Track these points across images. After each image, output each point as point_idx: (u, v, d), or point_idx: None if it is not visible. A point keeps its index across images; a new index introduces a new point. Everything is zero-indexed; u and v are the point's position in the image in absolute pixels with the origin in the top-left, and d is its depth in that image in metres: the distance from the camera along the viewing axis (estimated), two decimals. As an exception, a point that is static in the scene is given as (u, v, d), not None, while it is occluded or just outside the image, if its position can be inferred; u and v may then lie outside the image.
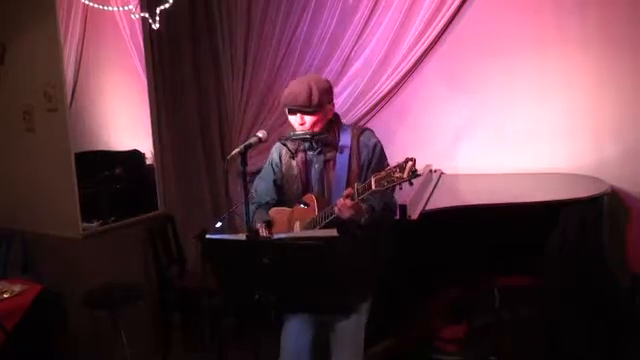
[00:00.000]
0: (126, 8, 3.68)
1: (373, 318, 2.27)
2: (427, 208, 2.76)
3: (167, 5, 3.52)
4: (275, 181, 2.39)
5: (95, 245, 3.41)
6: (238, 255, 1.98)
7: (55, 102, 3.32)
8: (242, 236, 1.95)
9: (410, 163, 1.85)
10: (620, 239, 3.09)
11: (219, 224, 3.19)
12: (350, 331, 2.24)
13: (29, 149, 3.51)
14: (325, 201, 2.22)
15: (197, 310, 3.62)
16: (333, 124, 2.31)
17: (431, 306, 3.18)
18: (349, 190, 2.04)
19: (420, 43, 3.46)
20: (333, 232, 1.91)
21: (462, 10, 3.39)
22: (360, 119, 3.64)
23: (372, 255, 2.23)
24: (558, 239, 2.71)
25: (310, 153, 2.30)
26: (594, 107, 3.20)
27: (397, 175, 1.87)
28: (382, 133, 3.43)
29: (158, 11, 3.55)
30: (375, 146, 2.28)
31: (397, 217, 2.53)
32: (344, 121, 2.47)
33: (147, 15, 3.59)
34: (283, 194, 2.39)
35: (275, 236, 1.97)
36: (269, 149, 2.48)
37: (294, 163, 2.33)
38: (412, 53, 3.49)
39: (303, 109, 2.19)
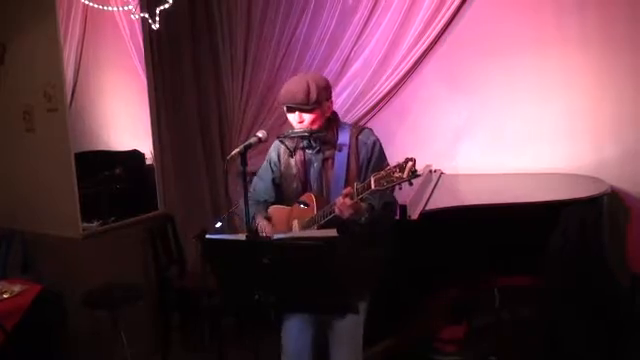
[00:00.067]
0: (126, 8, 3.68)
1: (371, 317, 2.27)
2: (427, 208, 2.76)
3: (167, 5, 3.52)
4: (274, 180, 2.39)
5: (95, 245, 3.41)
6: (238, 255, 1.98)
7: (55, 102, 3.32)
8: (242, 236, 1.95)
9: (410, 163, 1.84)
10: (620, 239, 3.09)
11: (219, 224, 3.20)
12: (348, 330, 2.24)
13: (29, 149, 3.51)
14: (324, 200, 2.22)
15: (197, 310, 3.62)
16: (331, 122, 2.30)
17: (431, 306, 3.18)
18: (348, 189, 2.03)
19: (420, 43, 3.46)
20: (333, 232, 1.91)
21: (461, 10, 3.39)
22: (360, 119, 3.64)
23: (371, 254, 2.22)
24: (559, 239, 2.71)
25: (309, 151, 2.30)
26: (594, 107, 3.20)
27: (397, 175, 1.87)
28: (382, 133, 3.42)
29: (158, 11, 3.55)
30: (374, 145, 2.27)
31: (397, 217, 2.52)
32: (343, 120, 2.46)
33: (147, 15, 3.58)
34: (282, 193, 2.38)
35: (275, 236, 1.97)
36: (269, 149, 2.48)
37: (292, 162, 2.32)
38: (412, 53, 3.49)
39: (301, 107, 2.18)
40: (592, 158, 3.21)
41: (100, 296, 3.17)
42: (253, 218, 2.29)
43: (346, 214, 2.03)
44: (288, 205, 2.34)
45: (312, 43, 3.69)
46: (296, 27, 3.71)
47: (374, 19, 3.56)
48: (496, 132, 3.43)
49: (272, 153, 2.40)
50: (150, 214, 3.86)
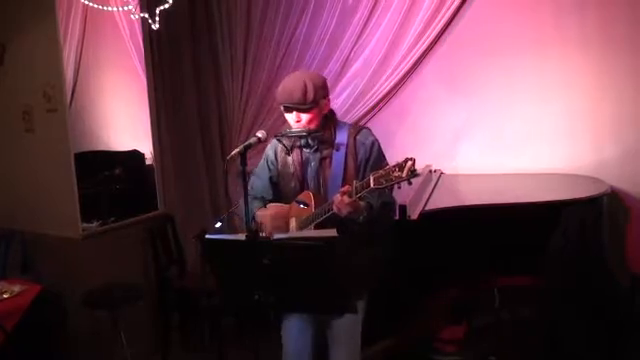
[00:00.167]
0: (126, 8, 3.68)
1: (371, 317, 2.27)
2: (427, 208, 2.76)
3: (167, 5, 3.52)
4: (271, 178, 2.38)
5: (95, 245, 3.41)
6: (237, 255, 1.98)
7: (55, 102, 3.32)
8: (242, 236, 1.95)
9: (410, 163, 1.84)
10: (620, 239, 3.09)
11: (219, 224, 3.19)
12: (346, 330, 2.24)
13: (28, 149, 3.51)
14: (322, 198, 2.22)
15: (197, 310, 3.63)
16: (329, 120, 2.29)
17: (431, 306, 3.17)
18: (347, 187, 2.03)
19: (419, 44, 3.46)
20: (332, 232, 1.90)
21: (461, 11, 3.39)
22: (359, 120, 3.64)
23: (370, 254, 2.22)
24: (559, 239, 2.71)
25: (306, 150, 2.29)
26: (593, 108, 3.20)
27: (396, 174, 1.86)
28: (382, 134, 3.42)
29: (158, 11, 3.55)
30: (372, 145, 2.27)
31: (396, 217, 2.52)
32: (342, 120, 2.45)
33: (147, 15, 3.58)
34: (279, 191, 2.38)
35: (275, 236, 1.97)
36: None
37: (290, 160, 2.32)
38: (411, 54, 3.49)
39: (298, 106, 2.18)
40: (592, 158, 3.21)
41: (100, 296, 3.17)
42: (253, 217, 2.29)
43: (344, 212, 2.02)
44: (286, 203, 2.34)
45: (312, 43, 3.69)
46: (296, 27, 3.71)
47: (374, 19, 3.56)
48: (496, 132, 3.43)
49: (269, 151, 2.40)
50: (150, 214, 3.86)
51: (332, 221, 2.06)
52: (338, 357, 2.28)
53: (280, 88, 2.22)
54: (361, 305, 2.23)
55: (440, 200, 2.89)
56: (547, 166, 3.31)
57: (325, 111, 2.26)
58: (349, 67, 3.66)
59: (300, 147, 2.30)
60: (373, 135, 2.31)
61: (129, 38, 4.16)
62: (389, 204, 2.26)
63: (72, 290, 3.22)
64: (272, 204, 2.37)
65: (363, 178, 2.04)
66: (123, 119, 4.39)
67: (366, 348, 2.28)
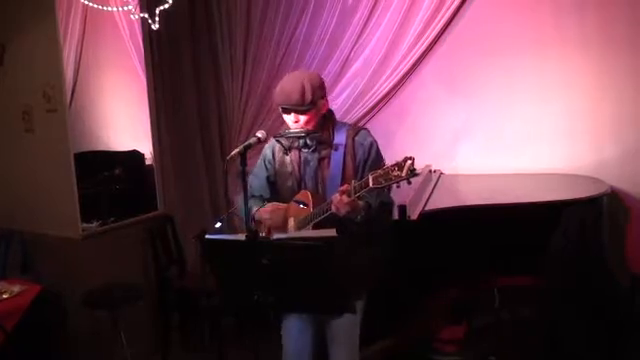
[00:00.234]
0: (125, 8, 3.68)
1: (370, 317, 2.27)
2: (427, 208, 2.76)
3: (166, 5, 3.52)
4: (268, 177, 2.38)
5: (95, 245, 3.41)
6: (237, 255, 1.98)
7: (54, 103, 3.32)
8: (241, 236, 1.95)
9: (409, 162, 1.84)
10: (620, 239, 3.09)
11: (218, 224, 3.20)
12: (345, 330, 2.25)
13: (28, 149, 3.51)
14: (320, 197, 2.22)
15: (196, 310, 3.63)
16: (327, 121, 2.29)
17: (431, 306, 3.18)
18: (345, 186, 2.03)
19: (419, 44, 3.46)
20: (332, 232, 1.90)
21: (461, 11, 3.39)
22: (359, 120, 3.64)
23: (368, 254, 2.22)
24: (559, 239, 2.71)
25: (305, 151, 2.29)
26: (593, 108, 3.20)
27: (395, 174, 1.86)
28: (381, 134, 3.42)
29: (157, 11, 3.55)
30: (371, 146, 2.27)
31: (394, 217, 2.52)
32: (338, 119, 2.45)
33: (146, 15, 3.58)
34: (276, 190, 2.38)
35: (274, 236, 1.97)
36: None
37: (288, 160, 2.32)
38: (411, 54, 3.49)
39: (297, 108, 2.18)
40: (592, 158, 3.21)
41: (100, 296, 3.17)
42: (252, 216, 2.29)
43: (342, 211, 2.02)
44: (283, 203, 2.34)
45: (312, 43, 3.69)
46: (296, 27, 3.70)
47: (374, 19, 3.56)
48: (495, 132, 3.43)
49: (267, 151, 2.40)
50: (150, 214, 3.86)
51: (330, 221, 2.07)
52: (337, 357, 2.28)
53: (278, 89, 2.22)
54: (360, 305, 2.24)
55: (440, 200, 2.89)
56: (547, 166, 3.31)
57: (323, 111, 2.26)
58: (349, 67, 3.66)
59: (298, 148, 2.30)
60: (371, 136, 2.31)
61: (129, 38, 4.16)
62: (387, 204, 2.26)
63: (72, 290, 3.22)
64: (270, 203, 2.37)
65: (362, 178, 2.04)
66: (123, 119, 4.39)
67: (366, 348, 2.27)
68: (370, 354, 2.84)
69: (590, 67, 3.17)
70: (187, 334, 3.75)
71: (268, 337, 2.34)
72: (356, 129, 2.32)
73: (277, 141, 2.35)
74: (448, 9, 3.37)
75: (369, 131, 2.34)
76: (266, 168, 2.39)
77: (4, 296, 2.81)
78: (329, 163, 2.25)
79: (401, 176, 1.85)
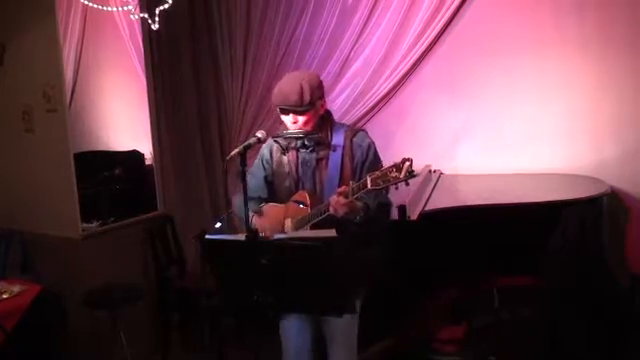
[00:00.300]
0: (125, 8, 3.68)
1: (370, 317, 2.27)
2: (426, 208, 2.76)
3: (166, 6, 3.52)
4: (266, 177, 2.38)
5: (94, 245, 3.41)
6: (237, 255, 1.98)
7: (54, 103, 3.32)
8: (241, 236, 1.95)
9: (407, 163, 1.84)
10: (620, 239, 3.09)
11: (218, 224, 3.19)
12: (343, 330, 2.25)
13: (28, 149, 3.51)
14: (317, 198, 2.22)
15: (196, 310, 3.63)
16: (325, 121, 2.30)
17: (430, 306, 3.18)
18: (343, 187, 2.03)
19: (419, 44, 3.46)
20: (332, 232, 1.91)
21: (461, 11, 3.39)
22: (359, 120, 3.64)
23: (366, 254, 2.22)
24: (559, 239, 2.71)
25: (302, 151, 2.29)
26: (593, 108, 3.20)
27: (393, 175, 1.86)
28: (381, 134, 3.43)
29: (157, 11, 3.54)
30: (369, 147, 2.27)
31: (391, 217, 2.52)
32: (336, 120, 2.45)
33: (146, 15, 3.58)
34: (274, 190, 2.38)
35: (274, 237, 1.97)
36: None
37: (285, 160, 2.32)
38: (411, 54, 3.49)
39: (295, 109, 2.18)
40: (592, 158, 3.20)
41: (100, 296, 3.17)
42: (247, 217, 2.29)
43: (340, 212, 2.03)
44: (280, 203, 2.34)
45: (312, 43, 3.69)
46: (296, 27, 3.70)
47: (374, 19, 3.56)
48: (495, 132, 3.43)
49: (264, 150, 2.40)
50: (150, 214, 3.86)
51: (328, 222, 2.07)
52: (336, 357, 2.29)
53: (276, 90, 2.22)
54: (358, 305, 2.24)
55: (440, 200, 2.89)
56: (547, 166, 3.30)
57: (321, 112, 2.27)
58: (349, 67, 3.66)
59: (296, 148, 2.30)
60: (369, 137, 2.32)
61: (129, 38, 4.17)
62: (385, 205, 2.27)
63: (72, 290, 3.22)
64: (267, 204, 2.36)
65: (359, 180, 2.04)
66: (123, 119, 4.40)
67: (365, 348, 2.28)
68: (370, 354, 2.84)
69: (590, 67, 3.17)
70: (187, 334, 3.75)
71: (268, 337, 2.35)
72: (354, 130, 2.33)
73: (275, 141, 2.35)
74: (448, 9, 3.37)
75: (367, 132, 2.35)
76: (264, 167, 2.39)
77: (4, 296, 2.81)
78: (327, 164, 2.25)
79: (399, 177, 1.85)
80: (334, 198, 2.03)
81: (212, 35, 3.96)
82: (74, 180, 3.34)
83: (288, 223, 2.26)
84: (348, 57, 3.64)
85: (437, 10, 3.38)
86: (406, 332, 3.10)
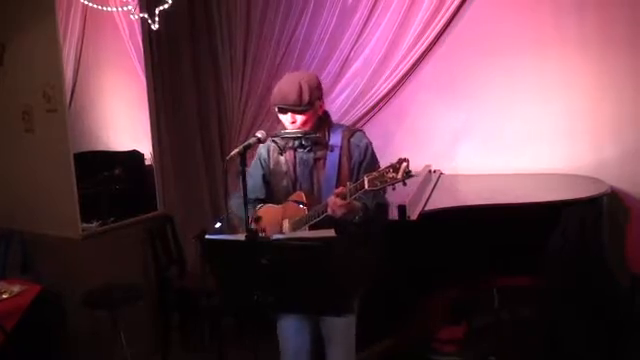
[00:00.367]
0: (125, 9, 3.68)
1: (369, 317, 2.27)
2: (426, 208, 2.76)
3: (166, 6, 3.52)
4: (264, 176, 2.39)
5: (94, 245, 3.41)
6: (237, 255, 1.98)
7: (54, 103, 3.32)
8: (241, 236, 1.95)
9: (404, 164, 1.84)
10: (620, 239, 3.09)
11: (218, 224, 3.19)
12: (341, 329, 2.26)
13: (28, 149, 3.51)
14: (315, 198, 2.22)
15: (196, 310, 3.63)
16: (323, 122, 2.30)
17: (430, 306, 3.18)
18: (341, 188, 2.04)
19: (419, 44, 3.46)
20: (331, 232, 1.91)
21: (461, 11, 3.39)
22: (359, 120, 3.63)
23: (364, 254, 2.22)
24: (559, 239, 2.71)
25: (300, 151, 2.30)
26: (593, 108, 3.20)
27: (390, 175, 1.87)
28: (381, 134, 3.43)
29: (157, 12, 3.54)
30: (367, 147, 2.28)
31: (389, 218, 2.52)
32: (336, 120, 2.45)
33: (146, 15, 3.58)
34: (271, 190, 2.38)
35: (274, 237, 1.97)
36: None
37: (282, 159, 2.32)
38: (411, 54, 3.48)
39: (294, 108, 2.18)
40: (591, 158, 3.20)
41: (100, 296, 3.17)
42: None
43: (338, 213, 2.03)
44: (277, 203, 2.33)
45: (312, 43, 3.69)
46: (295, 27, 3.70)
47: (373, 19, 3.56)
48: (495, 133, 3.43)
49: (262, 150, 2.40)
50: (149, 214, 3.86)
51: (325, 223, 2.07)
52: (334, 357, 2.29)
53: (275, 90, 2.22)
54: (355, 305, 2.24)
55: (440, 200, 2.89)
56: (547, 166, 3.30)
57: (319, 112, 2.27)
58: (349, 67, 3.66)
59: (293, 148, 2.30)
60: (367, 137, 2.32)
61: (129, 38, 4.17)
62: (383, 205, 2.26)
63: (72, 290, 3.22)
64: (263, 208, 2.36)
65: (357, 180, 2.04)
66: (123, 119, 4.40)
67: (365, 348, 2.28)
68: (369, 354, 2.84)
69: (590, 67, 3.17)
70: (187, 334, 3.75)
71: (268, 337, 2.35)
72: (351, 130, 2.33)
73: (272, 141, 2.35)
74: (448, 9, 3.37)
75: (364, 133, 2.36)
76: (261, 166, 2.39)
77: (4, 296, 2.81)
78: (324, 164, 2.26)
79: (397, 178, 1.86)
80: (332, 199, 2.03)
81: (212, 35, 3.96)
82: (74, 180, 3.34)
83: (286, 224, 2.26)
84: (348, 57, 3.64)
85: (437, 10, 3.38)
86: (406, 332, 3.10)
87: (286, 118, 2.23)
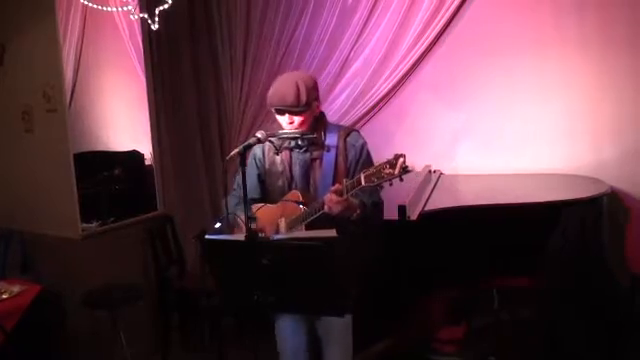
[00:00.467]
0: (125, 9, 3.68)
1: (368, 317, 2.27)
2: (426, 208, 2.76)
3: (166, 6, 3.51)
4: (259, 176, 2.38)
5: (94, 245, 3.41)
6: (237, 255, 1.98)
7: (54, 103, 3.32)
8: (241, 236, 1.95)
9: (401, 160, 1.84)
10: (620, 239, 3.09)
11: (218, 224, 3.18)
12: (338, 329, 2.26)
13: (28, 149, 3.51)
14: (311, 197, 2.22)
15: (196, 310, 3.63)
16: (319, 122, 2.30)
17: (430, 306, 3.18)
18: (337, 186, 2.03)
19: (419, 44, 3.46)
20: (332, 232, 1.91)
21: (461, 11, 3.39)
22: (359, 120, 3.63)
23: (363, 253, 2.22)
24: (559, 239, 2.72)
25: (296, 151, 2.30)
26: (593, 108, 3.20)
27: (387, 171, 1.86)
28: (381, 134, 3.43)
29: (157, 12, 3.54)
30: (362, 147, 2.28)
31: (384, 217, 2.51)
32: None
33: (146, 16, 3.58)
34: (266, 189, 2.38)
35: (274, 237, 1.97)
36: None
37: (278, 159, 2.32)
38: (411, 54, 3.48)
39: (292, 109, 2.18)
40: (591, 158, 3.21)
41: (100, 296, 3.17)
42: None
43: (335, 211, 2.02)
44: (273, 203, 2.33)
45: (312, 43, 3.69)
46: (295, 27, 3.70)
47: (373, 19, 3.56)
48: (495, 133, 3.43)
49: (257, 150, 2.39)
50: (149, 214, 3.86)
51: (322, 220, 2.07)
52: (331, 356, 2.29)
53: (272, 91, 2.22)
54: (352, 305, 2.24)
55: (440, 200, 2.89)
56: (547, 166, 3.31)
57: (316, 113, 2.27)
58: (349, 67, 3.66)
59: (289, 148, 2.30)
60: (363, 138, 2.33)
61: (129, 38, 4.17)
62: (379, 204, 2.26)
63: (72, 290, 3.22)
64: (259, 209, 2.35)
65: (353, 178, 2.04)
66: (123, 119, 4.39)
67: (364, 348, 2.28)
68: (369, 354, 2.84)
69: (590, 67, 3.17)
70: (187, 334, 3.75)
71: (268, 337, 2.35)
72: (347, 130, 2.33)
73: (268, 140, 2.35)
74: (448, 9, 3.37)
75: (360, 132, 2.36)
76: (257, 166, 2.39)
77: (4, 296, 2.81)
78: (321, 164, 2.26)
79: (393, 174, 1.85)
80: (328, 196, 2.03)
81: (212, 35, 3.96)
82: (74, 180, 3.34)
83: (282, 223, 2.26)
84: (348, 57, 3.64)
85: (437, 10, 3.38)
86: (406, 332, 3.10)
87: (283, 119, 2.23)
